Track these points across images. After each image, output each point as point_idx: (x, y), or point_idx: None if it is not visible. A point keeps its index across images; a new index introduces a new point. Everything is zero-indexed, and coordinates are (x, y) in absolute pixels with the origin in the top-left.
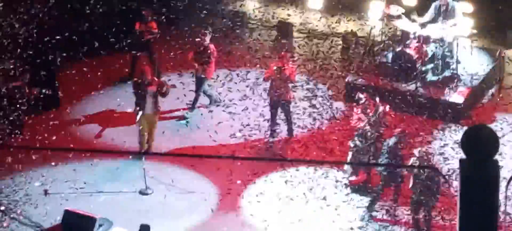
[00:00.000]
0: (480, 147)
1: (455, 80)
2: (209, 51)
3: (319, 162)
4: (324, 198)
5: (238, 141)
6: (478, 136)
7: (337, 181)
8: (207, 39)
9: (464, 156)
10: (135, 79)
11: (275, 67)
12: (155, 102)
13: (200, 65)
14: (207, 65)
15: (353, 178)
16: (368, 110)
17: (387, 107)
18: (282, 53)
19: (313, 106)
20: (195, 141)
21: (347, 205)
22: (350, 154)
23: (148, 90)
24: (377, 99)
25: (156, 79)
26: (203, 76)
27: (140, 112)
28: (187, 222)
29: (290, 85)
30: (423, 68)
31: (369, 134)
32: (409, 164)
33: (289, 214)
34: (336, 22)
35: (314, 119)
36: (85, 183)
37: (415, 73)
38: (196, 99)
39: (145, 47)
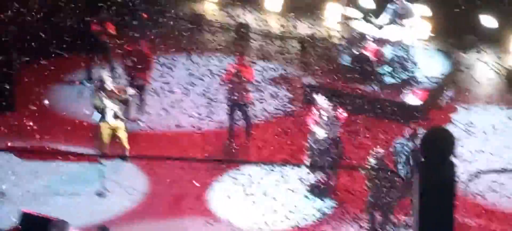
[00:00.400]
0: (437, 149)
1: (413, 83)
2: (145, 57)
3: (288, 163)
4: (283, 198)
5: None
6: (435, 138)
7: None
8: (143, 44)
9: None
10: (95, 85)
11: (233, 71)
12: (118, 109)
13: (137, 71)
14: (144, 71)
15: (316, 178)
16: (323, 113)
17: (343, 113)
18: (240, 55)
19: (272, 107)
20: (154, 142)
21: (306, 205)
22: (307, 155)
23: (109, 97)
24: (332, 102)
25: (116, 85)
26: (141, 82)
27: (101, 121)
28: (146, 225)
29: (249, 87)
30: (381, 71)
31: (323, 136)
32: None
33: (251, 215)
34: (294, 24)
35: (273, 119)
36: (43, 185)
37: (372, 75)
38: (142, 102)
39: (102, 50)
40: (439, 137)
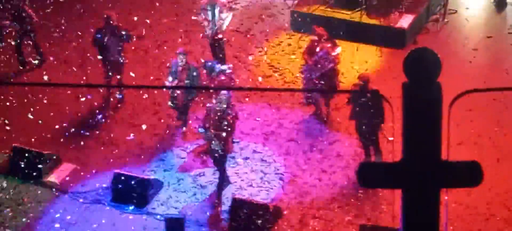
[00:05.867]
0: (422, 69)
1: (400, 6)
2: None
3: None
4: None
5: None
6: (420, 58)
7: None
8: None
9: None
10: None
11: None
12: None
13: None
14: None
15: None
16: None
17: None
18: None
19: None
20: None
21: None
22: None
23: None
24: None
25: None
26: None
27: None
28: None
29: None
30: None
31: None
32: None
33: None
34: None
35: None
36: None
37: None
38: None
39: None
40: (423, 57)
